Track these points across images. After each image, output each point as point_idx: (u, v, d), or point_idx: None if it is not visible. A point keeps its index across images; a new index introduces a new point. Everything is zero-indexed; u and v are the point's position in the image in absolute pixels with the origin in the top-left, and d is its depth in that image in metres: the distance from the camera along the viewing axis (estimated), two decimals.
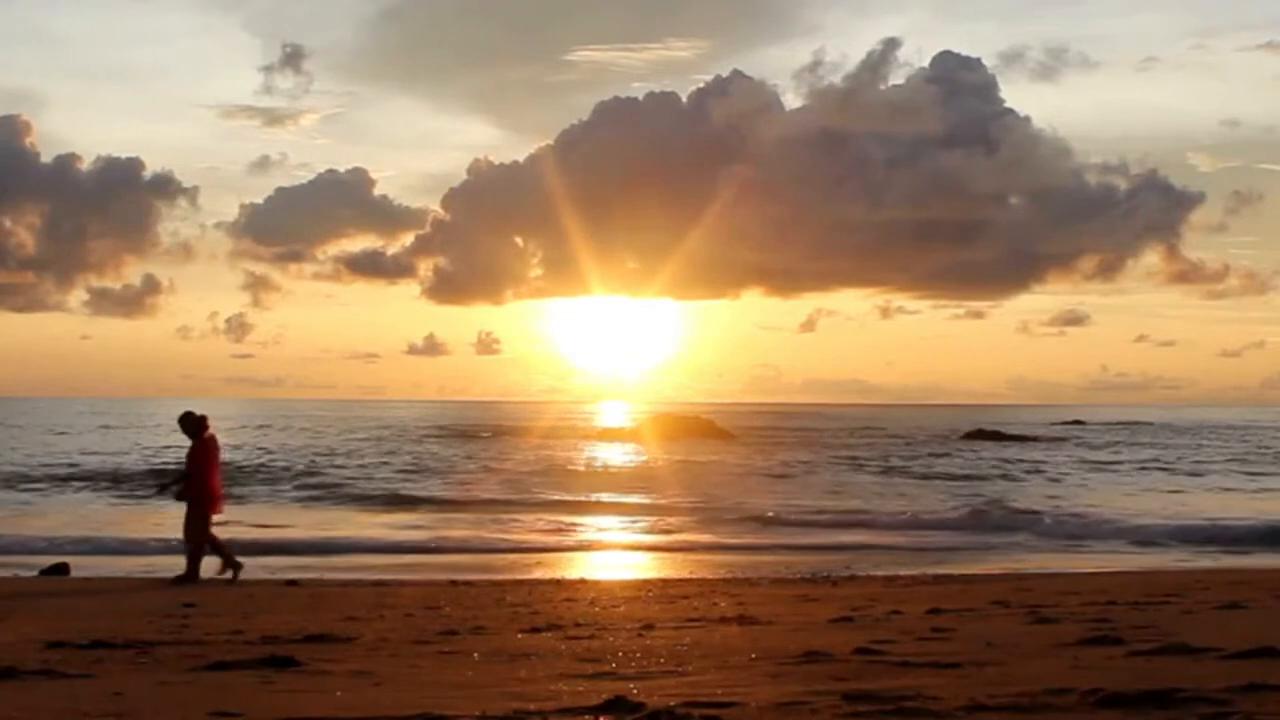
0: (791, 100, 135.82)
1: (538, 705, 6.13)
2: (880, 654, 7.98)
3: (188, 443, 16.27)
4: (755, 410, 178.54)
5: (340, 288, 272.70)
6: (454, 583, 16.79)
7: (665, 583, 17.14)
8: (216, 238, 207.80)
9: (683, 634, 9.77)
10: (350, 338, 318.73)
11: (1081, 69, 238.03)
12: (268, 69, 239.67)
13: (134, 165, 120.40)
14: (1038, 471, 49.48)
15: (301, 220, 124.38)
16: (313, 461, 51.31)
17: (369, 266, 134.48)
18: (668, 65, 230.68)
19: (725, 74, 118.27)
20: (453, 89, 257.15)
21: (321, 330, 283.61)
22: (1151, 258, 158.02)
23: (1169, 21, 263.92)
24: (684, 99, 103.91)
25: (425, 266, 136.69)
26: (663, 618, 11.37)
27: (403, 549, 23.82)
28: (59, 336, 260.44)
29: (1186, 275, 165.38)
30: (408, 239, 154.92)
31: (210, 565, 15.83)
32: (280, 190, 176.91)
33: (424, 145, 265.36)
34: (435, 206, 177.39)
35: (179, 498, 16.27)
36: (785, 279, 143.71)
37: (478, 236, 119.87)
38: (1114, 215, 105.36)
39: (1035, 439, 78.07)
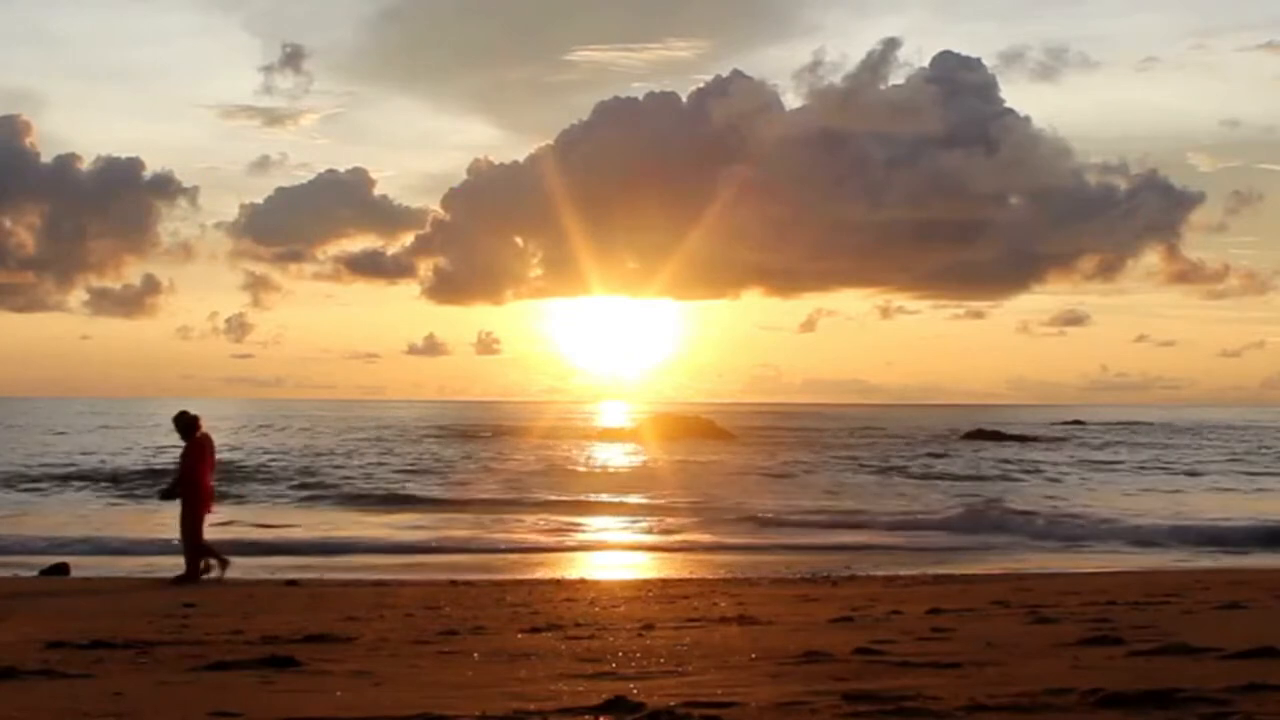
0: (791, 100, 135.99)
1: (538, 705, 6.13)
2: (880, 654, 7.98)
3: (179, 439, 16.39)
4: (755, 410, 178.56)
5: (340, 288, 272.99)
6: (454, 583, 16.79)
7: (665, 583, 17.14)
8: (216, 238, 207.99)
9: (683, 634, 9.77)
10: (350, 338, 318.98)
11: (1081, 69, 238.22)
12: (268, 69, 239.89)
13: (134, 165, 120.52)
14: (1037, 472, 49.47)
15: (301, 220, 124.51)
16: (312, 461, 51.30)
17: (369, 266, 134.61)
18: (668, 65, 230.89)
19: (725, 74, 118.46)
20: (453, 89, 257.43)
21: (321, 330, 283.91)
22: (1151, 258, 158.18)
23: (1169, 21, 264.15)
24: (684, 99, 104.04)
25: (425, 266, 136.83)
26: (663, 618, 11.37)
27: (403, 549, 23.82)
28: (59, 336, 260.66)
29: (1186, 275, 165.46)
30: (408, 239, 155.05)
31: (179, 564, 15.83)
32: (280, 190, 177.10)
33: (424, 145, 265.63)
34: (435, 206, 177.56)
35: (166, 497, 16.30)
36: (785, 279, 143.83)
37: (478, 236, 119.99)
38: (1114, 215, 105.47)
39: (1035, 439, 78.05)
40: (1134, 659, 7.57)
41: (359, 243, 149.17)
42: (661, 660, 8.05)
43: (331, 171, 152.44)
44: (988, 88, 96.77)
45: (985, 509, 30.55)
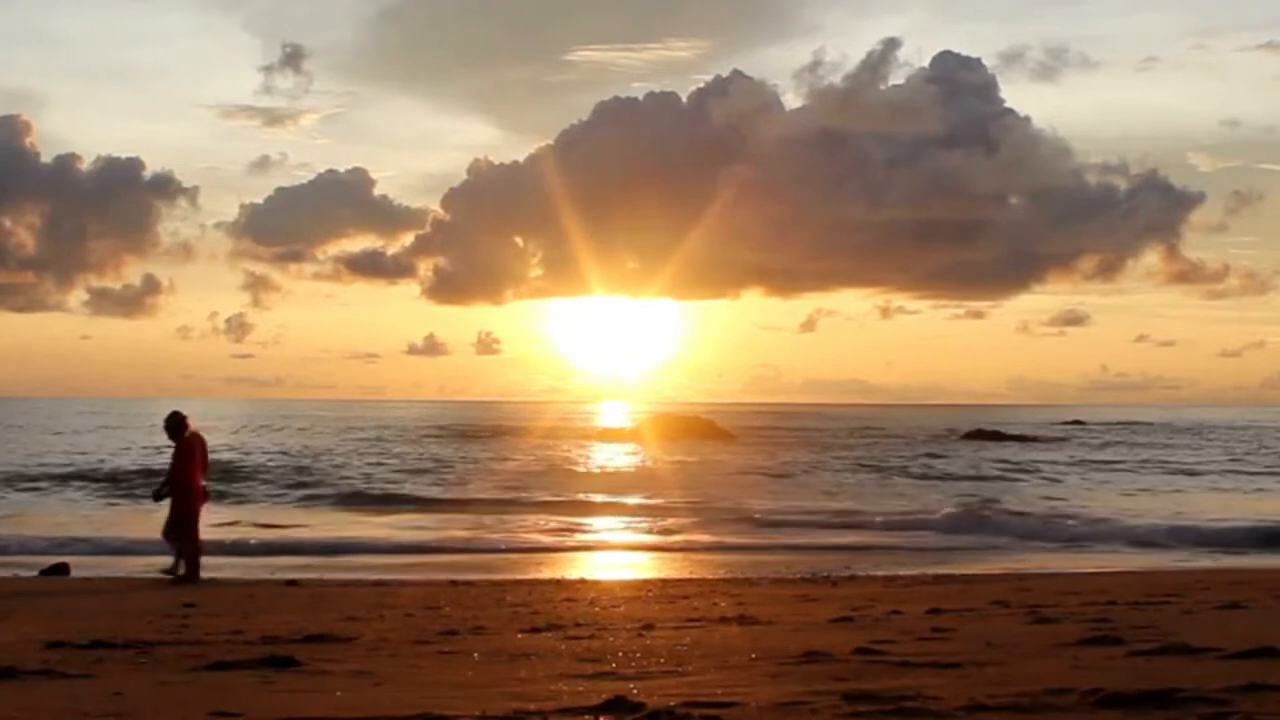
0: (791, 100, 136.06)
1: (538, 705, 6.13)
2: (880, 654, 7.98)
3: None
4: (755, 410, 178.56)
5: (340, 288, 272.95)
6: (454, 583, 16.79)
7: (665, 583, 17.14)
8: (216, 238, 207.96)
9: (683, 634, 9.77)
10: (350, 338, 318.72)
11: (1081, 69, 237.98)
12: (268, 69, 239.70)
13: (134, 165, 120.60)
14: (1037, 472, 49.48)
15: (301, 220, 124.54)
16: (312, 461, 51.30)
17: (369, 266, 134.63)
18: (668, 65, 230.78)
19: (725, 74, 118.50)
20: (453, 89, 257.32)
21: (321, 330, 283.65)
22: (1151, 258, 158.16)
23: (1169, 21, 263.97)
24: (684, 99, 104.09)
25: (425, 266, 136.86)
26: (663, 618, 11.37)
27: (403, 549, 23.83)
28: (59, 336, 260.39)
29: (1186, 275, 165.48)
30: (408, 239, 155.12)
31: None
32: (280, 190, 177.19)
33: (424, 145, 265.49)
34: (435, 206, 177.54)
35: (158, 498, 16.31)
36: (785, 279, 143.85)
37: (478, 236, 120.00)
38: (1114, 215, 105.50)
39: (1035, 439, 78.04)
40: (1134, 659, 7.57)
41: (359, 243, 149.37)
42: (661, 660, 8.05)
43: (331, 171, 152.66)
44: (988, 88, 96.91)
45: (978, 509, 30.50)
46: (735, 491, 37.07)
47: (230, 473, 42.66)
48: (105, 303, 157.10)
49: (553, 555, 23.33)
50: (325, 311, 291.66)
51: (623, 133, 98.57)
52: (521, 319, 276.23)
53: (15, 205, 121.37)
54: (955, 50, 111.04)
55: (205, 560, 16.59)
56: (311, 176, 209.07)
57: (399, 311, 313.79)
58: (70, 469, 44.09)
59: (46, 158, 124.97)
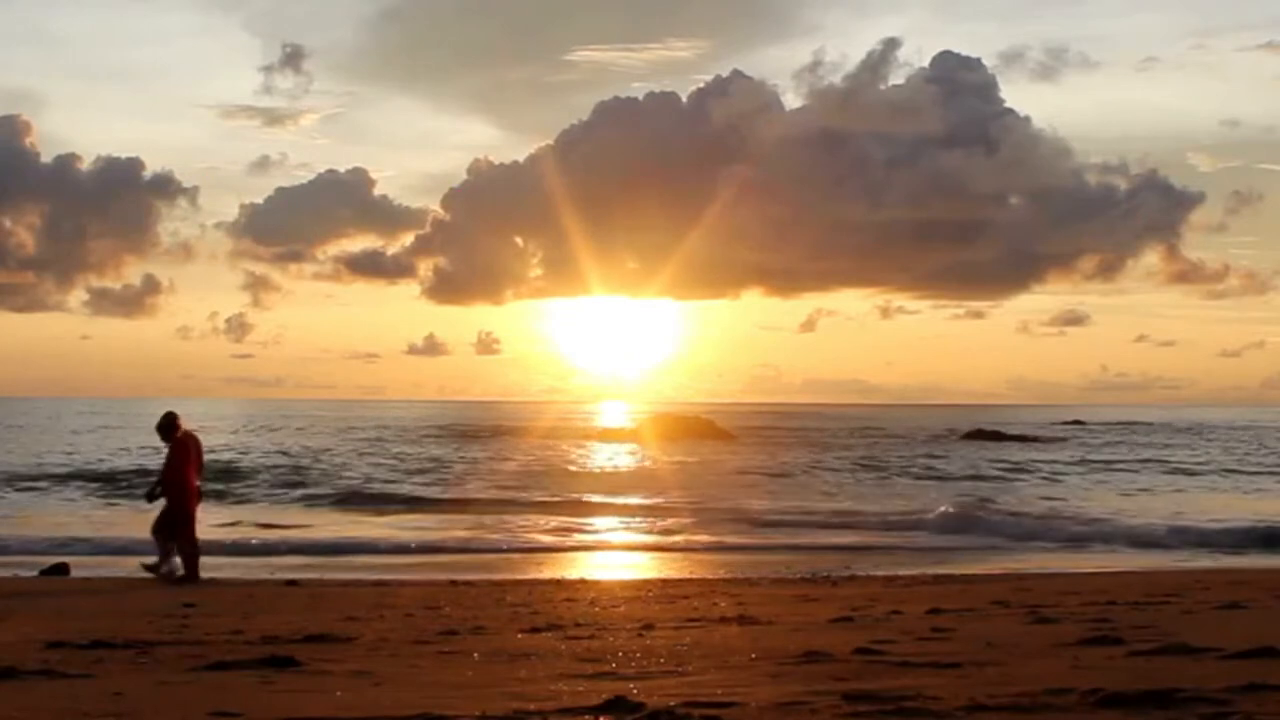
0: (791, 100, 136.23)
1: (538, 705, 6.13)
2: (880, 654, 7.97)
3: (196, 435, 16.51)
4: (755, 410, 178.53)
5: (340, 288, 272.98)
6: (454, 583, 16.79)
7: (665, 583, 17.14)
8: (216, 238, 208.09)
9: (683, 634, 9.77)
10: (350, 338, 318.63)
11: (1081, 69, 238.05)
12: (268, 69, 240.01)
13: (134, 165, 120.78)
14: (1036, 472, 49.48)
15: (301, 220, 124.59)
16: (312, 461, 51.30)
17: (369, 266, 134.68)
18: (668, 65, 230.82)
19: (725, 74, 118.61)
20: (453, 89, 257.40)
21: (321, 330, 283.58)
22: (1151, 258, 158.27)
23: (1169, 21, 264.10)
24: (684, 99, 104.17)
25: (425, 266, 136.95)
26: (663, 618, 11.37)
27: (403, 549, 23.83)
28: (59, 336, 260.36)
29: (1186, 275, 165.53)
30: (408, 239, 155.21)
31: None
32: (280, 190, 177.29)
33: (424, 145, 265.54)
34: (435, 206, 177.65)
35: (151, 498, 16.31)
36: (785, 279, 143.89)
37: (478, 236, 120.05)
38: (1114, 215, 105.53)
39: (1035, 439, 78.04)
40: (1134, 659, 7.57)
41: (359, 243, 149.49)
42: (661, 660, 8.05)
43: (331, 171, 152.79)
44: (988, 88, 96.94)
45: (972, 510, 30.38)
46: (735, 491, 37.07)
47: (230, 473, 42.67)
48: (105, 303, 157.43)
49: (553, 555, 23.33)
50: (325, 311, 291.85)
51: (623, 133, 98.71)
52: (521, 319, 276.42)
53: (15, 205, 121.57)
54: (955, 50, 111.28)
55: (205, 560, 16.59)
56: (311, 176, 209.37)
57: (399, 311, 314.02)
58: (70, 469, 44.10)
59: (46, 158, 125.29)
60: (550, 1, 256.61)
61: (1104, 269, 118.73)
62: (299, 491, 37.38)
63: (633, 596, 14.66)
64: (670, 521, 28.92)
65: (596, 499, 35.25)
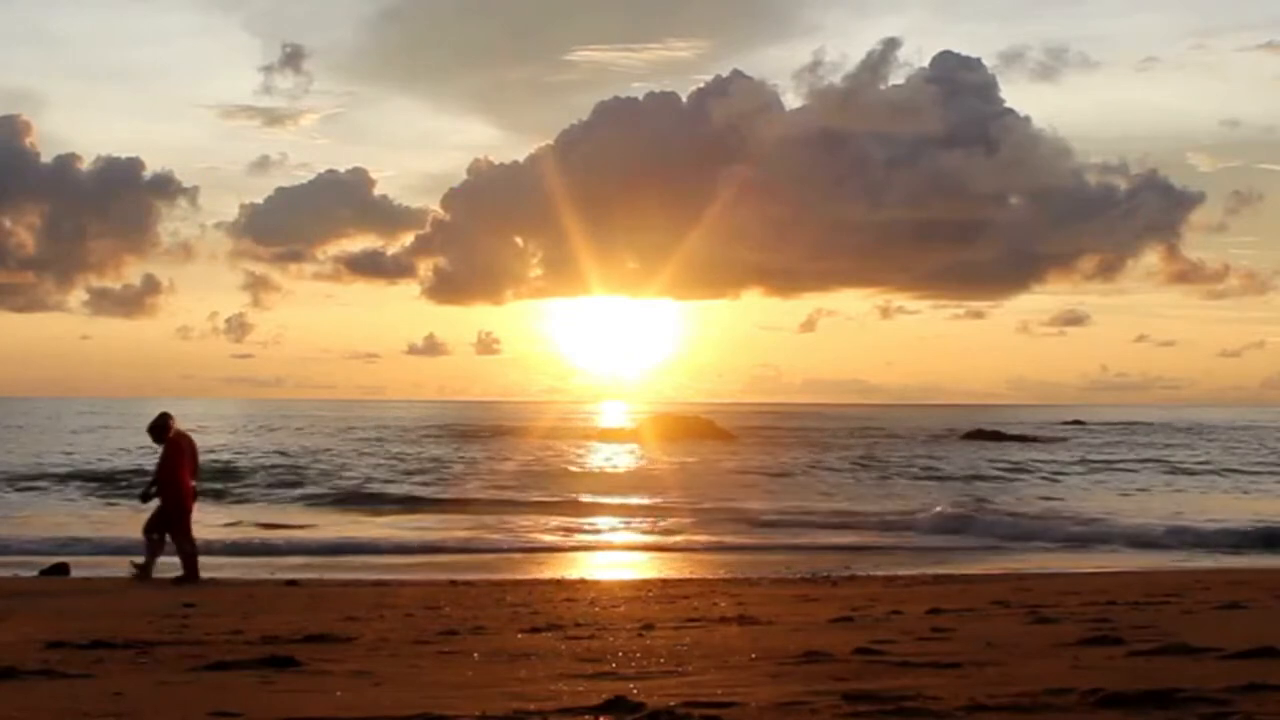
0: (791, 100, 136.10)
1: (538, 705, 6.13)
2: (880, 654, 7.97)
3: (191, 435, 16.51)
4: (755, 410, 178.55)
5: (340, 288, 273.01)
6: (454, 583, 16.80)
7: (665, 583, 17.14)
8: (216, 238, 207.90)
9: (683, 634, 9.77)
10: (350, 338, 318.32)
11: (1081, 69, 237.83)
12: (268, 69, 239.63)
13: (134, 165, 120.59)
14: (1036, 472, 49.49)
15: (301, 220, 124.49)
16: (312, 462, 51.32)
17: (369, 266, 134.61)
18: (668, 65, 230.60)
19: (725, 74, 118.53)
20: (453, 89, 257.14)
21: (321, 330, 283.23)
22: (1151, 258, 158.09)
23: (1169, 21, 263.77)
24: (684, 99, 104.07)
25: (425, 266, 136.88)
26: (663, 618, 11.37)
27: (403, 549, 23.85)
28: (59, 336, 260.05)
29: (1186, 275, 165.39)
30: (408, 239, 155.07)
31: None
32: (280, 190, 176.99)
33: (424, 145, 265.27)
34: (435, 206, 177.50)
35: (145, 499, 16.31)
36: (785, 279, 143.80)
37: (478, 236, 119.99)
38: (1114, 215, 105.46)
39: (1035, 439, 78.08)
40: (1134, 659, 7.57)
41: (359, 243, 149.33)
42: (661, 660, 8.05)
43: (331, 171, 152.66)
44: (988, 88, 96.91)
45: (967, 511, 30.31)
46: (735, 492, 37.09)
47: (229, 473, 42.68)
48: (105, 303, 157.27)
49: (553, 555, 23.35)
50: (325, 311, 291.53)
51: (623, 133, 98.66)
52: (521, 319, 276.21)
53: (15, 205, 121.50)
54: (955, 50, 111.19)
55: (205, 560, 16.59)
56: (311, 176, 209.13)
57: (399, 311, 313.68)
58: (70, 469, 44.09)
59: (46, 158, 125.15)
60: (550, 1, 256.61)
61: (1104, 269, 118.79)
62: (298, 491, 37.41)
63: (633, 596, 14.67)
64: (670, 521, 28.94)
65: (596, 499, 35.27)
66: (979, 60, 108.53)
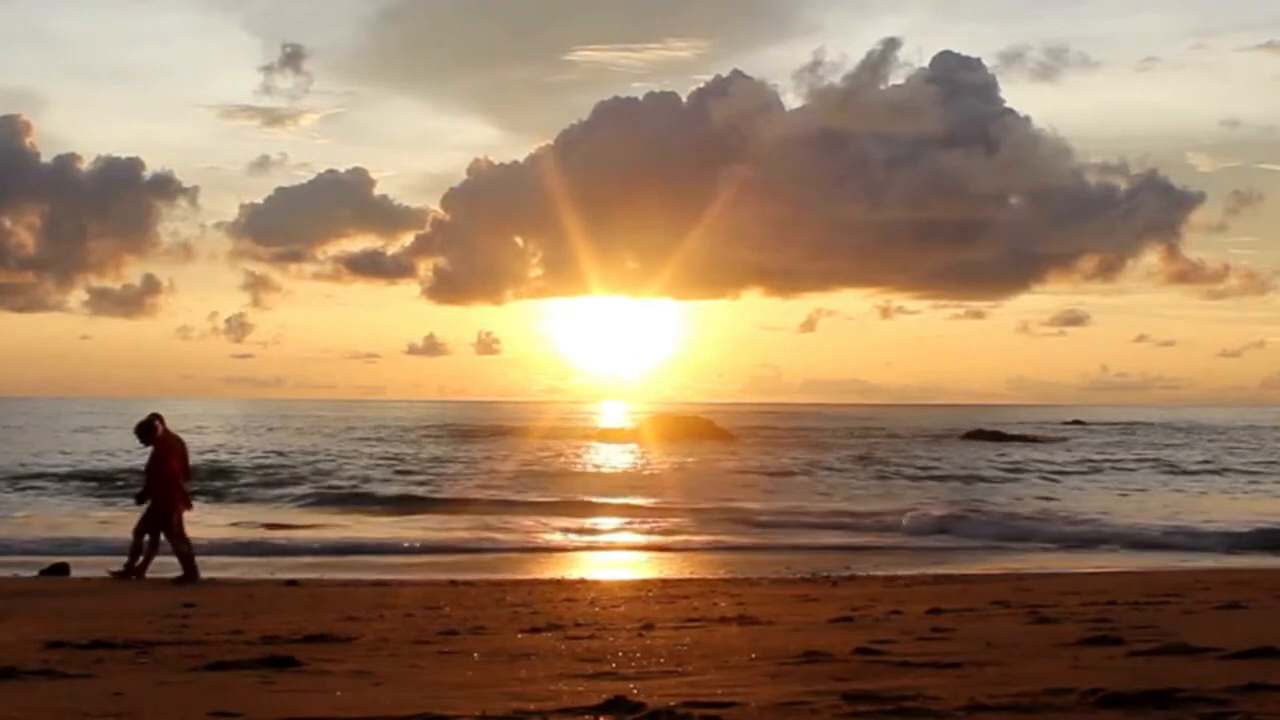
0: (791, 100, 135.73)
1: (538, 705, 6.13)
2: (880, 654, 7.97)
3: (181, 437, 16.50)
4: (755, 410, 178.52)
5: (340, 288, 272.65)
6: (454, 583, 16.80)
7: (665, 583, 17.15)
8: (216, 238, 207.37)
9: (683, 634, 9.77)
10: (350, 338, 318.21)
11: (1081, 69, 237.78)
12: (268, 69, 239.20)
13: (134, 165, 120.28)
14: (1035, 472, 49.49)
15: (301, 220, 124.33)
16: (312, 462, 51.32)
17: (369, 266, 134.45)
18: (668, 65, 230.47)
19: (725, 74, 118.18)
20: (453, 89, 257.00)
21: (321, 330, 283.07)
22: (1151, 258, 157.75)
23: (1169, 21, 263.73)
24: (684, 99, 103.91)
25: (425, 266, 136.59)
26: (663, 618, 11.37)
27: (402, 549, 23.85)
28: (59, 336, 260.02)
29: (1186, 275, 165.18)
30: (408, 239, 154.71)
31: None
32: (280, 190, 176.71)
33: (424, 145, 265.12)
34: (435, 206, 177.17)
35: (141, 500, 16.30)
36: (785, 279, 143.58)
37: (478, 236, 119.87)
38: (1114, 215, 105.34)
39: (1035, 439, 78.08)
40: (1134, 659, 7.57)
41: (359, 243, 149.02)
42: (661, 660, 8.05)
43: (331, 171, 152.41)
44: (988, 88, 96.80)
45: (953, 512, 30.20)
46: (734, 492, 37.09)
47: (229, 473, 42.68)
48: (105, 303, 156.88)
49: (553, 555, 23.35)
50: (325, 311, 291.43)
51: (623, 133, 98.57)
52: (521, 319, 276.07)
53: (15, 205, 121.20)
54: (955, 50, 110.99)
55: (205, 560, 16.59)
56: (311, 176, 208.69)
57: (399, 311, 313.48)
58: (70, 469, 44.08)
59: (46, 158, 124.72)
60: (550, 1, 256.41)
61: (1104, 269, 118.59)
62: (298, 491, 37.41)
63: (633, 596, 14.67)
64: (670, 522, 28.94)
65: (596, 499, 35.26)
66: (979, 60, 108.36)
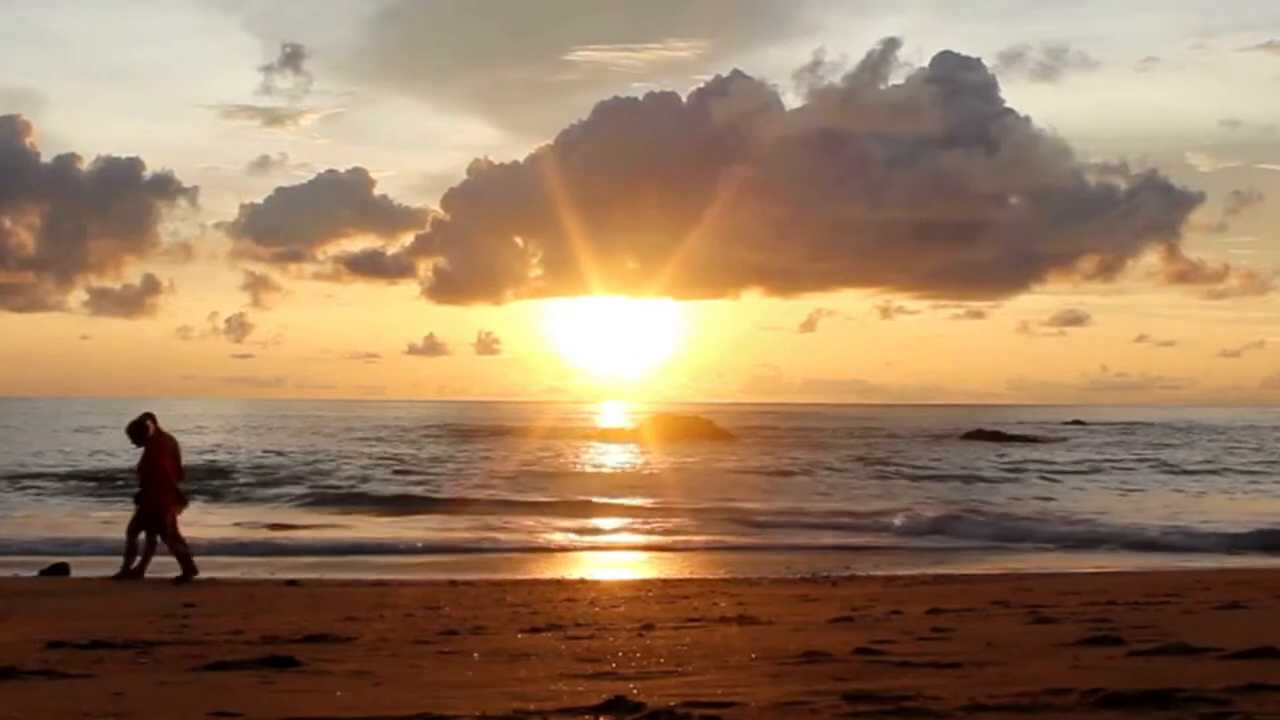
0: (791, 100, 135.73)
1: (538, 705, 6.13)
2: (880, 654, 7.98)
3: (178, 439, 16.50)
4: (755, 410, 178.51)
5: (340, 288, 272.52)
6: (454, 583, 16.80)
7: (665, 583, 17.15)
8: (216, 238, 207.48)
9: (683, 634, 9.77)
10: (350, 338, 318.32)
11: (1081, 69, 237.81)
12: (268, 69, 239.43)
13: (134, 165, 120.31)
14: (1035, 472, 49.47)
15: (301, 220, 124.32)
16: (312, 462, 51.32)
17: (369, 266, 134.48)
18: (668, 65, 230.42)
19: (725, 74, 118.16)
20: (453, 89, 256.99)
21: (321, 330, 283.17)
22: (1151, 258, 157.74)
23: (1169, 21, 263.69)
24: (684, 99, 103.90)
25: (425, 266, 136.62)
26: (663, 618, 11.37)
27: (402, 549, 23.85)
28: (59, 336, 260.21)
29: (1186, 275, 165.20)
30: (408, 239, 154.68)
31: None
32: (280, 190, 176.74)
33: (424, 145, 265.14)
34: (435, 206, 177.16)
35: (139, 500, 16.30)
36: (785, 279, 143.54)
37: (478, 236, 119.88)
38: (1114, 215, 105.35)
39: (1035, 439, 78.09)
40: (1134, 659, 7.57)
41: (359, 243, 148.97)
42: (661, 660, 8.06)
43: (331, 171, 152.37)
44: (988, 88, 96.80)
45: (948, 512, 30.16)
46: (734, 492, 37.07)
47: (229, 473, 42.66)
48: (105, 303, 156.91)
49: (552, 555, 23.35)
50: (325, 311, 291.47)
51: (623, 133, 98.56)
52: (521, 319, 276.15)
53: (15, 205, 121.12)
54: (955, 50, 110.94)
55: (205, 560, 16.58)
56: (311, 176, 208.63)
57: (399, 311, 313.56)
58: (69, 469, 44.08)
59: (46, 158, 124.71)
60: (550, 1, 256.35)
61: (1104, 269, 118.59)
62: (297, 491, 37.39)
63: (633, 596, 14.67)
64: (670, 522, 28.94)
65: (596, 499, 35.24)
66: (979, 60, 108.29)
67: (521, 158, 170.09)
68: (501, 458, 56.94)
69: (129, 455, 16.16)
